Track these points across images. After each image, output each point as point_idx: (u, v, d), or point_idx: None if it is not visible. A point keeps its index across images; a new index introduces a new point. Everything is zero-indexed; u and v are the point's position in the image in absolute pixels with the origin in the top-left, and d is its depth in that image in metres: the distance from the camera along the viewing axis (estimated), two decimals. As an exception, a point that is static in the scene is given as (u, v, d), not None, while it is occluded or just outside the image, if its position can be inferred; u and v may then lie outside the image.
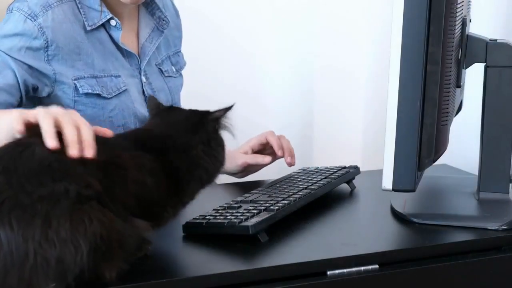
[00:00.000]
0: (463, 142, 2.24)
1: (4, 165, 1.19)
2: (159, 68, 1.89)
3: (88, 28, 1.74)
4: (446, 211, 1.59)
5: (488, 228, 1.48)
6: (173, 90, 1.92)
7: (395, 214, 1.57)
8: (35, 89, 1.70)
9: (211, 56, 2.53)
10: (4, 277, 1.14)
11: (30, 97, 1.71)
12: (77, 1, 1.74)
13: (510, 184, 1.61)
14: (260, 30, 2.62)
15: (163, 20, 1.88)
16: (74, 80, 1.72)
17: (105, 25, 1.77)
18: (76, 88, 1.72)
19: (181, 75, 1.97)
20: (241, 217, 1.40)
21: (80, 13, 1.74)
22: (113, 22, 1.77)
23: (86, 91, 1.72)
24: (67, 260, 1.14)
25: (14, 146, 1.23)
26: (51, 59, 1.69)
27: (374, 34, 2.56)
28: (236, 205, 1.50)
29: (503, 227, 1.47)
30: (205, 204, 1.51)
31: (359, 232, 1.53)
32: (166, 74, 1.90)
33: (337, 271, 1.33)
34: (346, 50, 2.63)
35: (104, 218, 1.18)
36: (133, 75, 1.81)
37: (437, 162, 1.48)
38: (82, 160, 1.22)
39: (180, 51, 1.98)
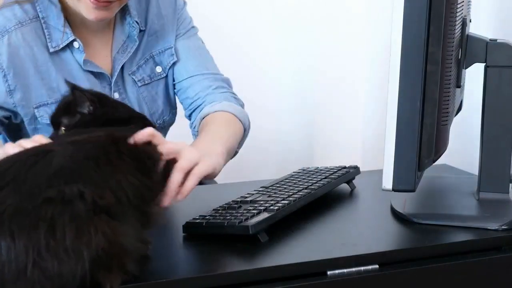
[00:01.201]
0: (463, 142, 2.24)
1: (14, 175, 1.16)
2: (132, 78, 1.80)
3: (51, 50, 1.67)
4: (446, 211, 1.59)
5: (488, 228, 1.47)
6: (150, 99, 1.83)
7: (395, 214, 1.56)
8: (8, 117, 1.66)
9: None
10: None
11: (6, 126, 1.68)
12: (42, 21, 1.67)
13: (510, 184, 1.61)
14: (260, 31, 2.63)
15: (133, 27, 1.78)
16: (35, 108, 1.67)
17: (69, 46, 1.70)
18: (35, 117, 1.67)
19: (171, 70, 1.85)
20: (241, 217, 1.40)
21: (44, 34, 1.67)
22: (76, 44, 1.70)
23: (45, 121, 1.66)
24: (66, 273, 1.11)
25: (29, 154, 1.22)
26: (13, 89, 1.64)
27: (374, 34, 2.56)
28: (236, 205, 1.50)
29: (503, 227, 1.47)
30: (205, 204, 1.51)
31: (359, 232, 1.53)
32: (140, 84, 1.81)
33: (337, 271, 1.33)
34: (346, 51, 2.64)
35: (108, 230, 1.16)
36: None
37: (437, 162, 1.48)
38: (106, 165, 1.22)
39: (170, 47, 1.85)
